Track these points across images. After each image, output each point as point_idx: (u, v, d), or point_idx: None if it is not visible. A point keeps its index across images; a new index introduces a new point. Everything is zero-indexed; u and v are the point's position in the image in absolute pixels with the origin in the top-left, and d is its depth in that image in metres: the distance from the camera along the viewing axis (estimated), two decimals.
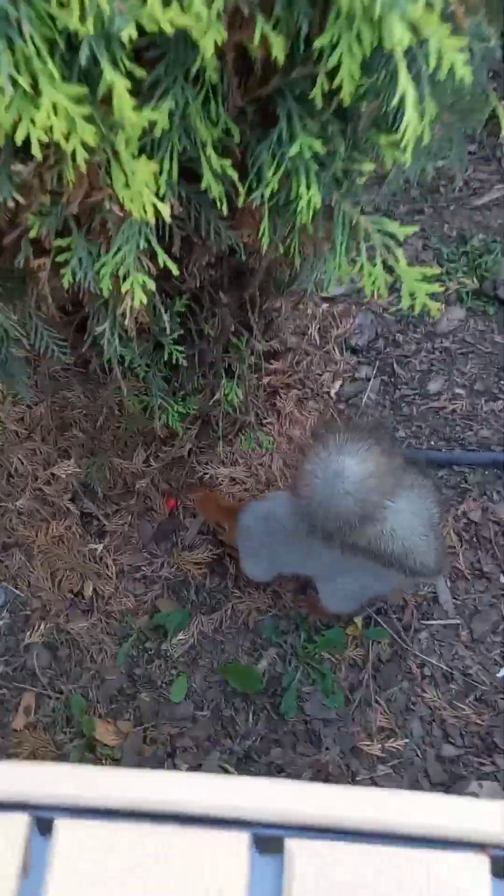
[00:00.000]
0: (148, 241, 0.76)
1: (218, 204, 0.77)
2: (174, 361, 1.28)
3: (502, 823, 0.57)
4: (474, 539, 1.66)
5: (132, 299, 0.76)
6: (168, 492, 1.76)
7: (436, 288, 0.74)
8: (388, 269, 0.75)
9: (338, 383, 1.89)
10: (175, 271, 0.77)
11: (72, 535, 1.72)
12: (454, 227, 2.15)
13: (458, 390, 1.83)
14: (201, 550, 1.68)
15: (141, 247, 0.76)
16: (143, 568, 1.69)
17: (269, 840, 0.57)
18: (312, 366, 1.92)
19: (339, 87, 0.62)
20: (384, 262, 0.74)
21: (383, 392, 1.87)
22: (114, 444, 1.80)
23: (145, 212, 0.69)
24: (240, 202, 0.78)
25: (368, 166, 0.73)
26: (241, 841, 0.57)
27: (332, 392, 1.88)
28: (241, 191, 0.78)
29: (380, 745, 1.47)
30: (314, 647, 1.55)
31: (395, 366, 1.89)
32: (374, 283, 0.75)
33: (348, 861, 0.56)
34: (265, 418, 1.83)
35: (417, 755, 1.46)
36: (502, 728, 1.48)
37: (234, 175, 0.74)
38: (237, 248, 0.93)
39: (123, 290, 0.76)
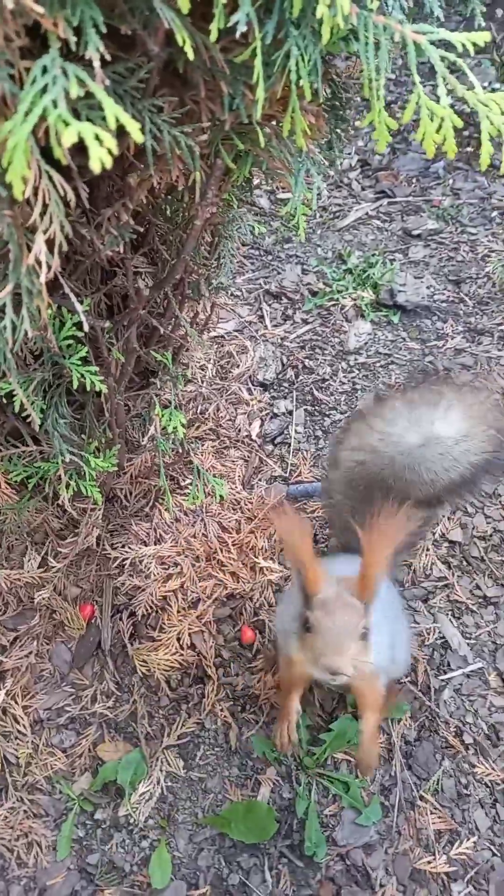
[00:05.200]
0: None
1: None
2: (81, 393, 0.92)
3: None
4: (464, 562, 1.39)
5: (58, 135, 0.41)
6: (80, 596, 1.32)
7: None
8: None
9: (256, 424, 1.60)
10: None
11: None
12: (328, 249, 2.01)
13: None
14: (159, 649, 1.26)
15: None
16: (67, 708, 1.23)
17: None
18: (221, 411, 1.62)
19: None
20: (450, 92, 0.48)
21: (311, 423, 1.60)
22: None
23: None
24: None
25: None
26: None
27: (254, 434, 1.58)
28: None
29: (445, 857, 1.09)
30: (322, 750, 1.17)
31: (315, 392, 1.64)
32: (439, 131, 0.48)
33: None
34: (182, 480, 1.48)
35: (495, 853, 1.10)
36: None
37: None
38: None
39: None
